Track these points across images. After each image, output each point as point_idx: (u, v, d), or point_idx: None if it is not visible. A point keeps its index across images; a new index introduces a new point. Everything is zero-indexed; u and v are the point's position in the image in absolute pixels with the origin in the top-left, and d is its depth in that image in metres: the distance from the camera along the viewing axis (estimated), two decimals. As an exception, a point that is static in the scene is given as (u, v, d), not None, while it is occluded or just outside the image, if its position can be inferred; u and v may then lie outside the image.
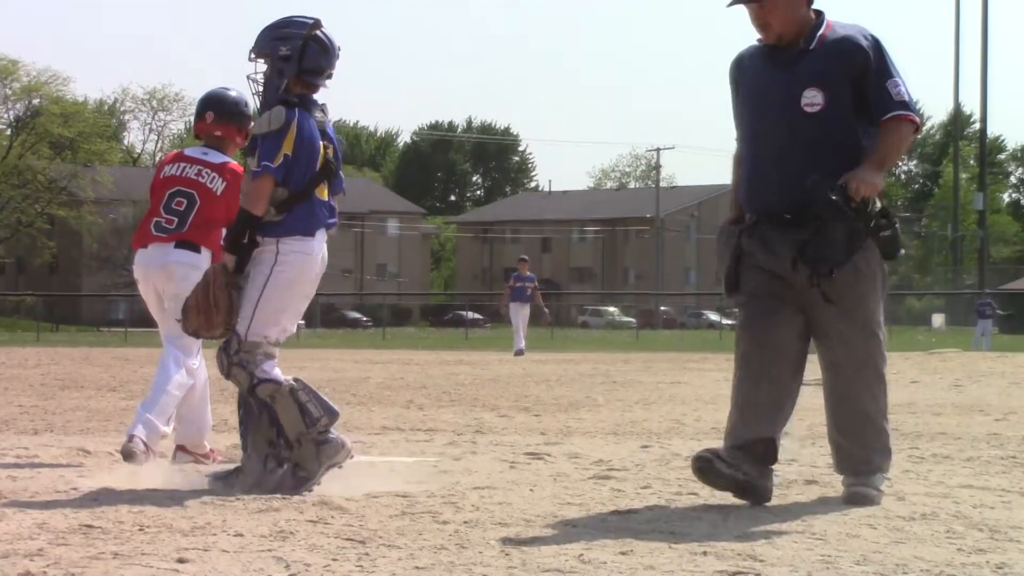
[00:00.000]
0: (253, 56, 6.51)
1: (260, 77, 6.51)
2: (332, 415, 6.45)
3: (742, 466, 5.70)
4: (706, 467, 5.69)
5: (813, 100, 5.68)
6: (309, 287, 6.56)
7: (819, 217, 5.57)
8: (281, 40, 6.47)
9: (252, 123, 7.21)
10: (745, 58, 5.94)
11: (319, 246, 6.50)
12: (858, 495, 5.82)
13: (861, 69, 5.68)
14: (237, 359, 6.38)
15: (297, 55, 6.45)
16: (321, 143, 6.47)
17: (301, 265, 6.45)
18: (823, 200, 5.52)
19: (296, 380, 6.45)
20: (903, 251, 5.82)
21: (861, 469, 5.90)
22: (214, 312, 6.40)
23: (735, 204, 6.03)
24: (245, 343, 6.38)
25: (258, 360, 6.40)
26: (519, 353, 26.65)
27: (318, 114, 6.54)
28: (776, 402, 5.79)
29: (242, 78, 6.60)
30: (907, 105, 5.71)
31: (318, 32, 6.52)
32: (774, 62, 5.80)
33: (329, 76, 6.60)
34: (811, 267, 5.69)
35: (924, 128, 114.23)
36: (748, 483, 5.71)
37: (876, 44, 5.73)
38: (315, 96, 6.58)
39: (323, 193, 6.51)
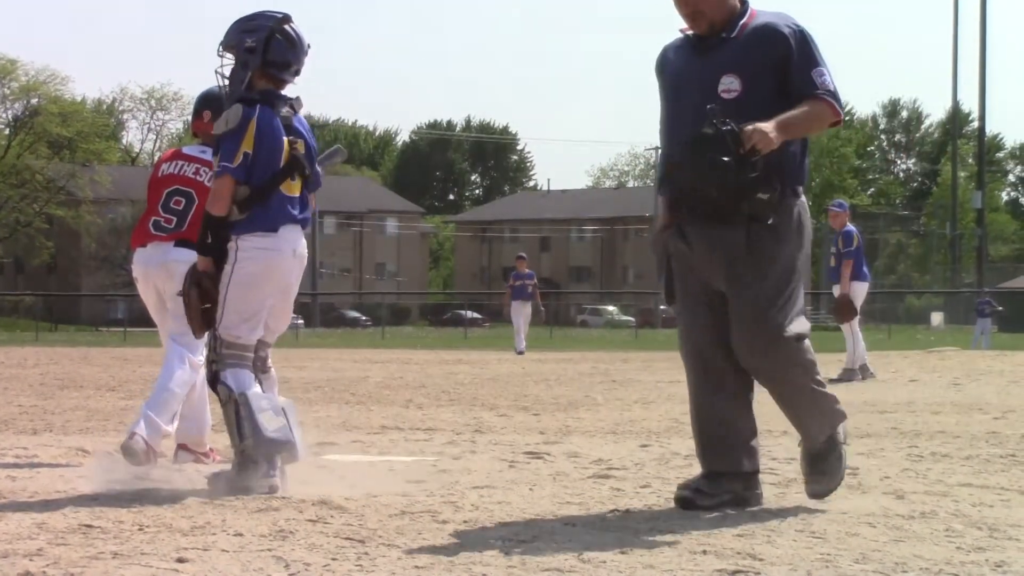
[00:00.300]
0: (221, 50, 6.50)
1: (228, 71, 6.49)
2: (261, 443, 6.25)
3: (725, 488, 5.69)
4: (689, 505, 5.64)
5: (730, 86, 5.60)
6: (282, 283, 6.47)
7: (699, 143, 5.46)
8: (248, 32, 6.45)
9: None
10: (669, 51, 5.85)
11: (284, 242, 6.42)
12: (816, 493, 5.80)
13: (783, 57, 5.58)
14: (211, 356, 6.46)
15: (262, 47, 6.41)
16: (286, 139, 6.42)
17: (264, 261, 6.39)
18: (713, 129, 5.41)
19: (250, 396, 6.33)
20: (772, 220, 5.57)
21: (812, 463, 5.81)
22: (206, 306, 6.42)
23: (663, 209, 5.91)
24: (222, 341, 6.41)
25: (228, 361, 6.40)
26: (520, 353, 26.66)
27: (284, 110, 6.47)
28: (734, 417, 5.73)
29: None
30: (833, 95, 5.62)
31: (286, 26, 6.48)
32: (696, 51, 5.72)
33: (297, 72, 6.54)
34: (673, 192, 5.64)
35: (923, 126, 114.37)
36: (735, 500, 5.70)
37: (801, 33, 5.62)
38: (285, 91, 6.52)
39: (292, 188, 6.45)
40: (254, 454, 6.27)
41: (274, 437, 6.30)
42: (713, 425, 5.74)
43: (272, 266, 6.43)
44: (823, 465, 5.79)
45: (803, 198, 5.77)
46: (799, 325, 5.69)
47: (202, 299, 6.43)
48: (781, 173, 5.60)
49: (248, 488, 6.14)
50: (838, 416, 5.82)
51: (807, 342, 5.74)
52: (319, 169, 6.71)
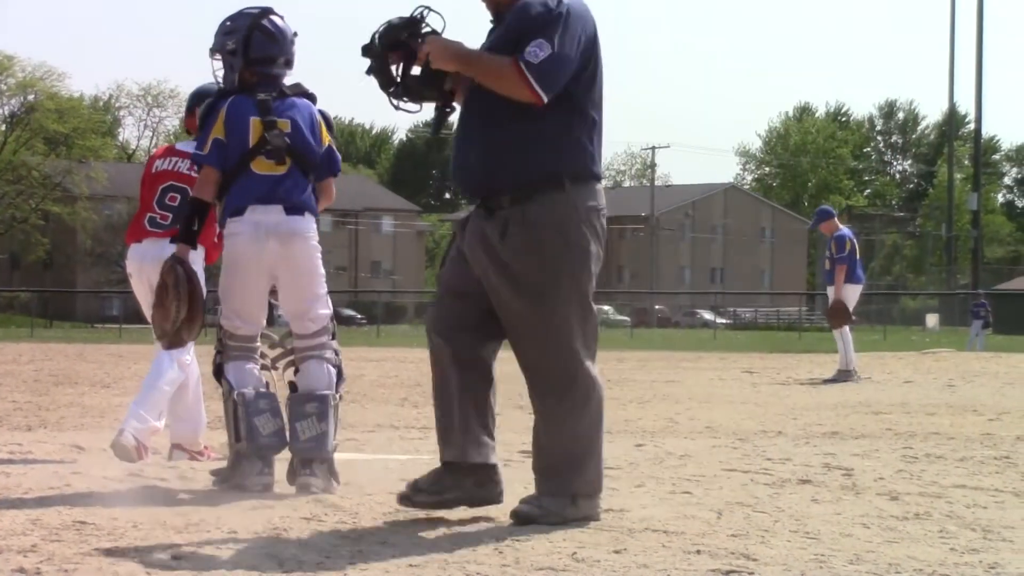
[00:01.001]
0: (211, 55, 6.51)
1: (220, 75, 6.51)
2: (255, 448, 6.24)
3: (454, 488, 5.38)
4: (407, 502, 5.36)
5: None
6: (257, 266, 6.33)
7: (386, 31, 5.46)
8: (228, 35, 6.44)
9: None
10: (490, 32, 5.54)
11: (248, 224, 6.30)
12: (520, 512, 5.25)
13: (522, 33, 5.14)
14: (217, 346, 6.45)
15: (242, 48, 6.39)
16: (254, 119, 6.35)
17: (231, 247, 6.36)
18: (402, 21, 5.42)
19: (248, 396, 6.29)
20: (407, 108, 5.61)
21: (538, 488, 5.39)
22: (173, 297, 6.28)
23: None
24: (225, 333, 6.42)
25: (232, 354, 6.39)
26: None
27: (263, 94, 6.37)
28: (482, 425, 5.62)
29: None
30: (531, 67, 5.08)
31: (264, 21, 6.43)
32: (490, 33, 5.44)
33: (288, 63, 6.48)
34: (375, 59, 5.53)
35: (919, 128, 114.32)
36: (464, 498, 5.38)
37: (548, 11, 5.14)
38: (284, 80, 6.48)
39: (269, 168, 6.34)
40: (248, 456, 6.27)
41: (268, 443, 6.29)
42: (459, 422, 5.69)
43: (238, 250, 6.34)
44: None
45: (578, 190, 5.24)
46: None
47: (170, 293, 6.31)
48: (535, 150, 5.21)
49: (243, 486, 6.14)
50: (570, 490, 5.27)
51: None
52: (337, 154, 6.59)
